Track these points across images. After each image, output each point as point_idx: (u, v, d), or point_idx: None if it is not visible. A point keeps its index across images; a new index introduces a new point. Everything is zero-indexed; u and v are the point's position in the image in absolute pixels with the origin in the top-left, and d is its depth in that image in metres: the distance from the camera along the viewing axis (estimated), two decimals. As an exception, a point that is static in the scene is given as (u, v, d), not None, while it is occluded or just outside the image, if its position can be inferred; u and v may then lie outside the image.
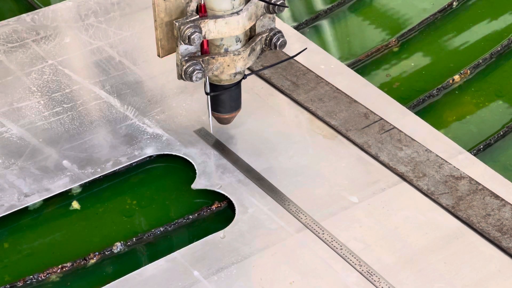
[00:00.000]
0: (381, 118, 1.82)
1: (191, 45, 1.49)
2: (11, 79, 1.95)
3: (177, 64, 1.52)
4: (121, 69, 1.99)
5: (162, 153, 1.76)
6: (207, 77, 1.58)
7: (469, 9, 2.40)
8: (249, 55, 1.55)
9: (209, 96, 1.63)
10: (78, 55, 2.04)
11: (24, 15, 2.16)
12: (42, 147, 1.76)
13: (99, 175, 1.71)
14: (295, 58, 1.99)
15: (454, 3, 2.39)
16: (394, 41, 2.25)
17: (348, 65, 2.10)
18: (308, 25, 2.33)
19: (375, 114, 1.83)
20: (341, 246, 1.53)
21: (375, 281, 1.46)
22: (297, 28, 2.28)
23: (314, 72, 1.95)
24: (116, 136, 1.80)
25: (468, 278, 1.48)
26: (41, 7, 2.25)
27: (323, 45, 2.24)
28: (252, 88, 1.92)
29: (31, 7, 2.33)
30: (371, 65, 2.18)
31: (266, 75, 1.94)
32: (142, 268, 1.51)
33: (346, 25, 2.36)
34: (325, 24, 2.36)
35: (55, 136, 1.79)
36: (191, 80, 1.51)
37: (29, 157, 1.74)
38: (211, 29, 1.48)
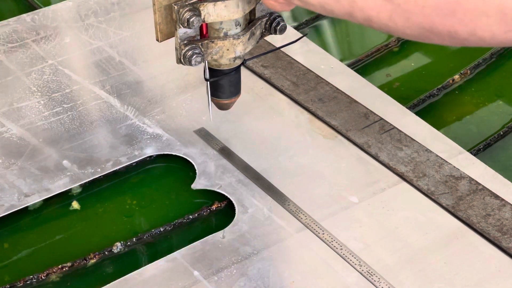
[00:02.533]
0: (381, 118, 1.82)
1: (190, 28, 1.48)
2: (11, 79, 1.95)
3: (176, 48, 1.51)
4: (121, 69, 1.99)
5: (162, 153, 1.76)
6: (206, 63, 1.58)
7: (469, 9, 2.39)
8: (248, 39, 1.55)
9: (208, 82, 1.62)
10: (78, 55, 2.04)
11: (24, 15, 2.16)
12: (42, 147, 1.76)
13: (99, 175, 1.71)
14: (295, 58, 1.99)
15: (454, 3, 2.38)
16: (394, 41, 2.25)
17: (348, 65, 2.10)
18: (308, 25, 2.33)
19: (375, 114, 1.83)
20: (341, 246, 1.53)
21: (375, 281, 1.46)
22: (297, 28, 2.28)
23: (314, 72, 1.95)
24: (116, 136, 1.80)
25: (468, 278, 1.48)
26: (41, 7, 2.25)
27: (323, 45, 2.24)
28: (252, 88, 1.92)
29: (31, 7, 2.33)
30: (371, 65, 2.18)
31: (266, 75, 1.94)
32: (142, 268, 1.51)
33: (346, 25, 2.36)
34: (325, 24, 2.36)
35: (55, 136, 1.79)
36: (190, 64, 1.50)
37: (29, 157, 1.74)
38: (210, 12, 1.47)
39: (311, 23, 2.34)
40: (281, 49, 1.95)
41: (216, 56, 1.56)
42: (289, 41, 1.68)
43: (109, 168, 1.72)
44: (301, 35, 2.10)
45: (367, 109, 1.84)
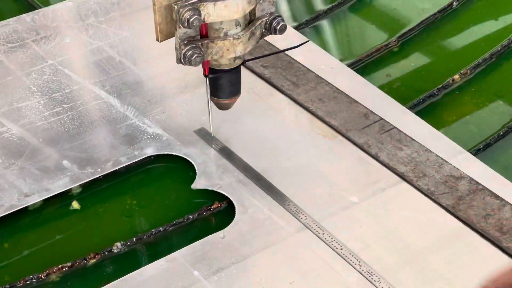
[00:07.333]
0: (381, 118, 1.82)
1: (190, 28, 1.48)
2: (11, 79, 1.95)
3: (176, 48, 1.52)
4: (121, 69, 1.99)
5: (162, 153, 1.76)
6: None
7: (469, 9, 2.40)
8: (248, 39, 1.55)
9: (208, 79, 1.63)
10: (78, 55, 2.04)
11: (24, 15, 2.16)
12: (42, 147, 1.76)
13: (99, 175, 1.71)
14: (295, 58, 1.99)
15: (454, 3, 2.39)
16: (394, 41, 2.25)
17: (348, 65, 2.10)
18: (308, 25, 2.33)
19: (375, 114, 1.83)
20: (341, 246, 1.53)
21: (375, 281, 1.46)
22: (297, 28, 2.28)
23: (314, 72, 1.95)
24: (116, 136, 1.80)
25: (468, 278, 1.48)
26: (41, 7, 2.25)
27: (323, 45, 2.24)
28: (252, 88, 1.92)
29: (31, 7, 2.33)
30: (371, 65, 2.18)
31: (266, 75, 1.94)
32: (142, 268, 1.51)
33: (346, 25, 2.36)
34: (325, 24, 2.36)
35: (55, 136, 1.79)
36: (190, 64, 1.51)
37: (29, 157, 1.74)
38: (211, 12, 1.48)
39: (311, 23, 2.34)
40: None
41: (216, 56, 1.56)
42: (289, 40, 1.68)
43: (109, 168, 1.72)
44: (302, 36, 2.11)
45: (367, 109, 1.84)
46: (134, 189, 1.72)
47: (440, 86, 2.07)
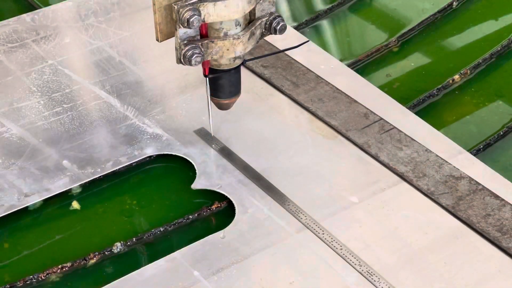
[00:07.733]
0: (381, 118, 1.82)
1: (190, 28, 1.49)
2: (11, 79, 1.95)
3: (176, 48, 1.52)
4: (121, 69, 1.99)
5: (162, 153, 1.76)
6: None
7: (469, 9, 2.40)
8: (248, 39, 1.55)
9: (208, 79, 1.63)
10: (78, 55, 2.04)
11: (24, 15, 2.16)
12: (42, 147, 1.76)
13: (99, 175, 1.71)
14: (295, 58, 1.99)
15: (454, 3, 2.39)
16: (394, 41, 2.25)
17: (348, 65, 2.10)
18: (308, 25, 2.33)
19: (375, 114, 1.83)
20: (341, 246, 1.53)
21: (375, 281, 1.46)
22: (297, 28, 2.28)
23: (314, 72, 1.95)
24: (116, 136, 1.80)
25: (468, 278, 1.48)
26: (41, 7, 2.25)
27: (323, 45, 2.24)
28: (252, 88, 1.92)
29: (31, 7, 2.33)
30: (371, 65, 2.18)
31: (266, 75, 1.94)
32: (142, 268, 1.51)
33: (346, 25, 2.36)
34: (325, 24, 2.36)
35: (55, 136, 1.79)
36: (190, 64, 1.51)
37: (29, 157, 1.74)
38: (211, 12, 1.48)
39: (311, 23, 2.34)
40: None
41: (216, 56, 1.56)
42: (289, 40, 1.68)
43: (109, 168, 1.72)
44: (302, 36, 2.11)
45: (367, 109, 1.84)
46: (134, 189, 1.72)
47: (440, 86, 2.07)
